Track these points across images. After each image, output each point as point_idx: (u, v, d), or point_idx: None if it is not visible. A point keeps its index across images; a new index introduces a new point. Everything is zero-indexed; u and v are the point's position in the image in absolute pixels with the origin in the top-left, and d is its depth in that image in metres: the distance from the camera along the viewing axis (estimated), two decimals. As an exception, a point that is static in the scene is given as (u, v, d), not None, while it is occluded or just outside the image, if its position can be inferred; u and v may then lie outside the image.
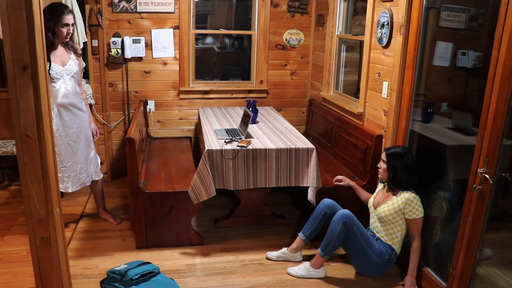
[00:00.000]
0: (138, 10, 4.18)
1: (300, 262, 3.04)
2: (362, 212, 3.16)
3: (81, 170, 3.23)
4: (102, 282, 2.67)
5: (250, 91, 4.68)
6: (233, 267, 3.01)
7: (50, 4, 2.99)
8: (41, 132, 1.75)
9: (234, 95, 4.65)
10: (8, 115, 4.16)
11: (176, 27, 4.31)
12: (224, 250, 3.21)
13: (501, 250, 2.60)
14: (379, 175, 2.92)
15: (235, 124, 3.77)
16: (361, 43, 3.69)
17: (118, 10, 4.15)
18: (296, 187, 3.27)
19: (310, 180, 3.17)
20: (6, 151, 3.98)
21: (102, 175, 3.47)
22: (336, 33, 4.16)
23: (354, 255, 2.85)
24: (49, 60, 2.94)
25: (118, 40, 4.15)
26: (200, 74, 5.10)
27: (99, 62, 4.20)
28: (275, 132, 3.58)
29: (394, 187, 2.80)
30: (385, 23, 3.11)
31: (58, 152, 3.08)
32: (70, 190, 3.22)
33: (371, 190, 3.15)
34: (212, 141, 3.24)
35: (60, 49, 3.06)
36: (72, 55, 3.14)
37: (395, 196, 2.78)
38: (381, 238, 2.84)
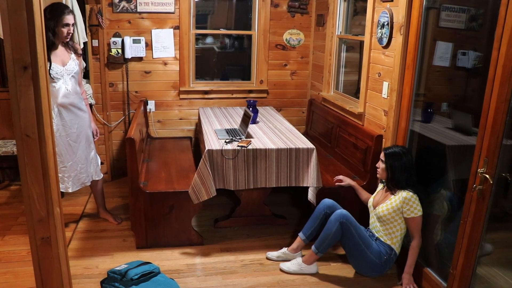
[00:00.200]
0: (138, 10, 4.19)
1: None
2: (362, 212, 3.16)
3: (81, 170, 3.23)
4: (102, 282, 2.67)
5: (250, 91, 4.68)
6: (233, 267, 3.01)
7: (51, 4, 3.00)
8: (41, 132, 1.75)
9: (234, 95, 4.66)
10: (9, 115, 4.16)
11: (176, 27, 4.31)
12: (224, 250, 3.21)
13: (501, 250, 2.60)
14: (378, 175, 2.92)
15: (235, 124, 3.77)
16: (361, 43, 3.69)
17: (118, 10, 4.15)
18: (296, 187, 3.27)
19: (310, 180, 3.17)
20: (7, 151, 3.98)
21: (102, 175, 3.48)
22: (336, 33, 4.16)
23: (352, 255, 2.86)
24: (49, 60, 2.94)
25: (119, 40, 4.15)
26: (200, 74, 5.10)
27: (99, 62, 4.20)
28: (275, 132, 3.58)
29: (392, 186, 2.80)
30: (385, 23, 3.11)
31: (59, 152, 3.08)
32: (70, 190, 3.22)
33: (371, 190, 3.15)
34: (213, 141, 3.24)
35: (60, 49, 3.06)
36: (73, 55, 3.14)
37: (393, 196, 2.79)
38: (380, 238, 2.84)
